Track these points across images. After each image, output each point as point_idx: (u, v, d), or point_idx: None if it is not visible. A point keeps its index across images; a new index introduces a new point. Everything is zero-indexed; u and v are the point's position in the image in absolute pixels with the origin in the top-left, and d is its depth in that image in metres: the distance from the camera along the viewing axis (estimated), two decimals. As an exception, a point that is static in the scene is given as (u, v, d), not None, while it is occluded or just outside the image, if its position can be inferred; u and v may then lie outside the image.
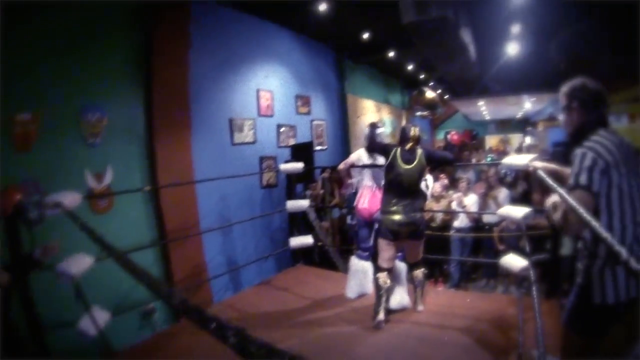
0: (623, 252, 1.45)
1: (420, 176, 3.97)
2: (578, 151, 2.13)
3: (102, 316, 2.99)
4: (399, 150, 3.91)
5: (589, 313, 2.13)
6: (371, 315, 3.93)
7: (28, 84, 3.69)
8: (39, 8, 3.72)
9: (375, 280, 3.97)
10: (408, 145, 3.89)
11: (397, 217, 3.82)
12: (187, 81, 5.25)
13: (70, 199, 3.10)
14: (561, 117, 2.45)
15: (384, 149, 4.09)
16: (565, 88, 2.40)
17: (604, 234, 1.63)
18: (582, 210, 1.83)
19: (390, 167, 3.89)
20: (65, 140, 4.00)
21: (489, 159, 12.20)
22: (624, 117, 9.36)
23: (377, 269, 4.04)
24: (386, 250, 3.95)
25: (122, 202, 4.37)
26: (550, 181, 2.58)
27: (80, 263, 2.90)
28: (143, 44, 4.81)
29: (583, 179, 2.05)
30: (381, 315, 3.85)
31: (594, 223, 1.77)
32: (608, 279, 2.05)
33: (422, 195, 4.19)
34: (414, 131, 3.94)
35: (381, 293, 3.89)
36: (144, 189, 4.58)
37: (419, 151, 3.91)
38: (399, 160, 3.85)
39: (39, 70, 3.77)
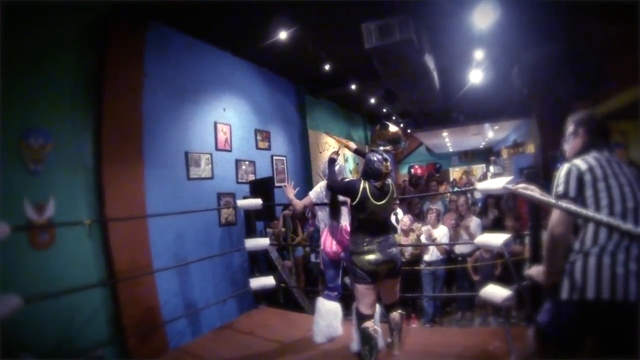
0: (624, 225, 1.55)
1: (391, 209, 3.83)
2: (560, 168, 2.41)
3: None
4: (367, 186, 3.60)
5: (580, 310, 2.19)
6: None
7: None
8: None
9: (363, 331, 3.63)
10: (379, 183, 3.60)
11: (372, 256, 3.53)
12: (140, 110, 5.04)
13: None
14: (566, 144, 2.65)
15: (347, 189, 3.75)
16: (574, 117, 2.60)
17: (598, 216, 1.75)
18: (574, 207, 2.00)
19: (361, 206, 3.59)
20: (3, 165, 3.64)
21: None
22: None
23: (361, 317, 3.68)
24: (366, 295, 3.62)
25: (66, 237, 4.03)
26: (536, 195, 2.57)
27: (4, 304, 2.56)
28: (95, 68, 4.60)
29: (560, 189, 2.32)
30: None
31: (586, 212, 1.95)
32: (605, 274, 2.11)
33: (393, 229, 4.00)
34: (386, 167, 3.59)
35: (373, 344, 3.57)
36: (84, 222, 4.21)
37: (389, 182, 3.71)
38: (371, 198, 3.57)
39: None
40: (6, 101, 3.67)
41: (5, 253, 2.74)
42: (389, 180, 3.72)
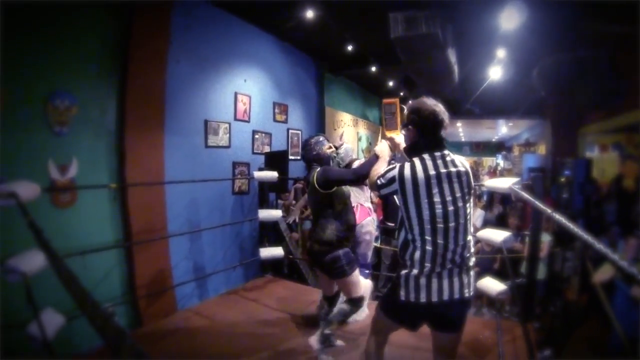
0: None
1: (319, 199, 3.74)
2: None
3: (55, 319, 2.77)
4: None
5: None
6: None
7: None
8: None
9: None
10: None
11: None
12: (164, 77, 5.05)
13: (28, 190, 2.77)
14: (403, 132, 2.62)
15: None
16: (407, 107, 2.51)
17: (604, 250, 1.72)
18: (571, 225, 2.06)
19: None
20: (30, 125, 3.69)
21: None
22: (595, 148, 9.56)
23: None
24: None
25: (87, 197, 4.12)
26: (536, 203, 2.59)
27: (33, 260, 2.65)
28: (122, 33, 4.57)
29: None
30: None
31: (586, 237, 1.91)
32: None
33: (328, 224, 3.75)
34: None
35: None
36: (110, 186, 4.33)
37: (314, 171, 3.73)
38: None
39: (7, 46, 3.44)
40: (34, 63, 3.72)
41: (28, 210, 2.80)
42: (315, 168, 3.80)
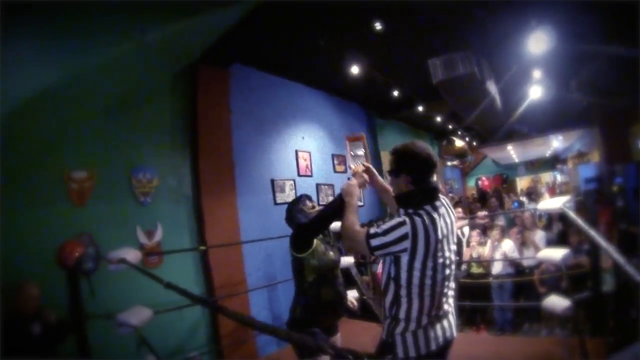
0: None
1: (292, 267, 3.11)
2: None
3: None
4: None
5: None
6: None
7: (83, 142, 3.97)
8: (94, 71, 4.01)
9: None
10: None
11: None
12: (230, 144, 5.47)
13: (133, 255, 3.23)
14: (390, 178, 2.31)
15: None
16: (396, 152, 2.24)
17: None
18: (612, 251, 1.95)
19: None
20: (118, 198, 4.22)
21: (515, 204, 11.91)
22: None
23: None
24: None
25: (172, 258, 4.50)
26: (581, 223, 2.62)
27: (140, 314, 3.01)
28: (188, 108, 5.07)
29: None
30: None
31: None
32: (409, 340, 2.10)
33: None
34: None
35: None
36: (199, 249, 4.75)
37: None
38: None
39: (92, 130, 4.05)
40: (117, 144, 4.27)
41: (124, 271, 3.20)
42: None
